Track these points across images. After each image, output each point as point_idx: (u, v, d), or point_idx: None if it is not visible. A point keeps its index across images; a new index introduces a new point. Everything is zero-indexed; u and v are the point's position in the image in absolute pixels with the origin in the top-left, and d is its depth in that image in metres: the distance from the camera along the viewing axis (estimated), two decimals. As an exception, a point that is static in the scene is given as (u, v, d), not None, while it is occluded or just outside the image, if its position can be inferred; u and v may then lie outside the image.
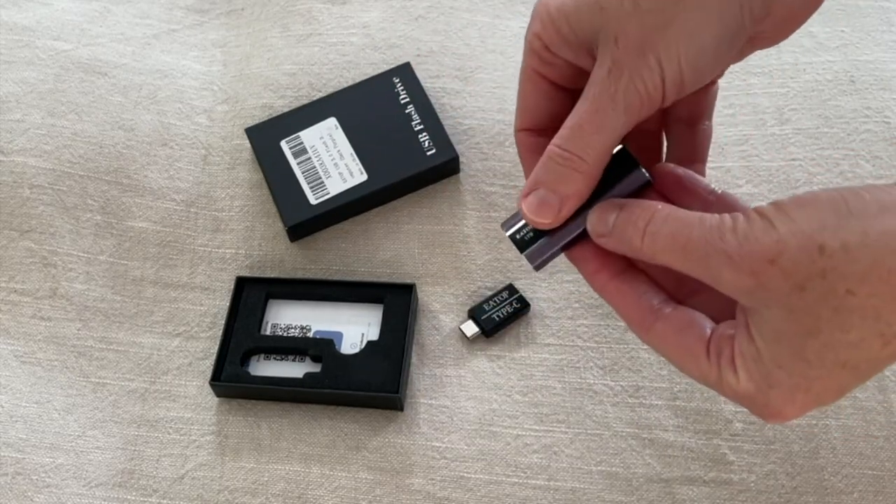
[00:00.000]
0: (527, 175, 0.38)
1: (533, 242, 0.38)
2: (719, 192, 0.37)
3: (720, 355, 0.33)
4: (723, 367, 0.33)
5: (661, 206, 0.34)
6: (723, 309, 0.35)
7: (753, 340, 0.32)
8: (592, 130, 0.34)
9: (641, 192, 0.37)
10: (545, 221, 0.36)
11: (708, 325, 0.34)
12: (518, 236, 0.38)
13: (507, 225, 0.38)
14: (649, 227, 0.33)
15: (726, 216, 0.32)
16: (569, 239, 0.37)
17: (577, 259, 0.38)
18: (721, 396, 0.51)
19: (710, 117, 0.40)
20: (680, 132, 0.40)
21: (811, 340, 0.31)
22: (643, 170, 0.36)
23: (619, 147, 0.36)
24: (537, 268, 0.38)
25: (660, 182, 0.38)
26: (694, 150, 0.40)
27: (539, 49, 0.36)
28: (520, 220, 0.38)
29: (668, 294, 0.37)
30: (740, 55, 0.37)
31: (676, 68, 0.33)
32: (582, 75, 0.36)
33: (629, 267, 0.37)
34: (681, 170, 0.38)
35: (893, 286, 0.29)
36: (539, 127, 0.38)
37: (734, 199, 0.37)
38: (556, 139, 0.35)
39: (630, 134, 0.36)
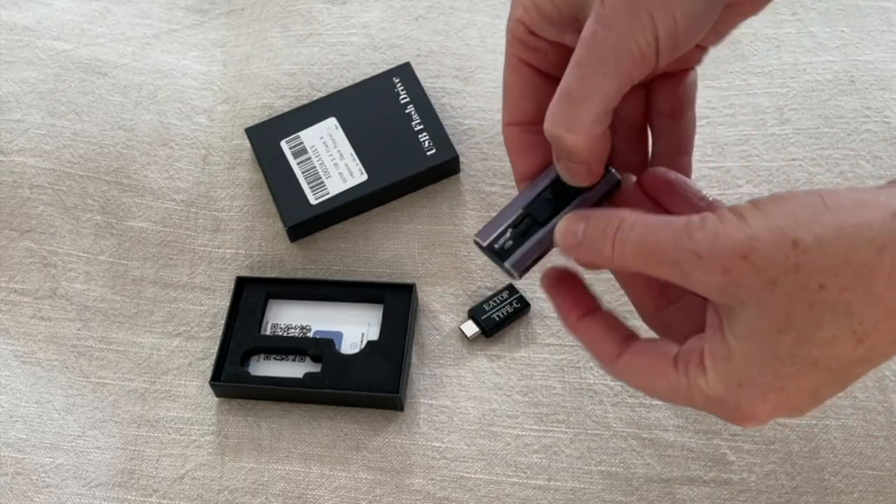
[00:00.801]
0: (515, 171, 0.38)
1: (513, 251, 0.37)
2: (710, 199, 0.37)
3: (688, 364, 0.33)
4: (691, 372, 0.33)
5: (628, 213, 0.33)
6: (704, 314, 0.34)
7: (725, 340, 0.32)
8: (581, 99, 0.32)
9: (613, 194, 0.37)
10: (584, 184, 0.35)
11: (673, 346, 0.34)
12: (497, 245, 0.37)
13: (483, 235, 0.37)
14: (618, 235, 0.33)
15: (694, 216, 0.31)
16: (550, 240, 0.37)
17: (554, 296, 0.38)
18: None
19: (692, 108, 0.40)
20: (663, 125, 0.40)
21: (783, 337, 0.30)
22: (613, 171, 0.36)
23: None
24: (521, 276, 0.37)
25: (651, 187, 0.38)
26: (678, 143, 0.40)
27: (522, 35, 0.36)
28: (497, 229, 0.37)
29: (653, 300, 0.37)
30: (723, 23, 0.36)
31: (671, 22, 0.31)
32: (568, 58, 0.35)
33: (598, 307, 0.37)
34: (672, 174, 0.37)
35: (866, 279, 0.29)
36: (526, 121, 0.37)
37: (723, 207, 0.37)
38: (546, 115, 0.33)
39: (614, 125, 0.35)
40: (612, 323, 0.37)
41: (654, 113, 0.40)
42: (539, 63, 0.36)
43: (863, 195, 0.30)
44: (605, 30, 0.31)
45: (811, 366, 0.31)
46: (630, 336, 0.36)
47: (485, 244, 0.37)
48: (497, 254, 0.37)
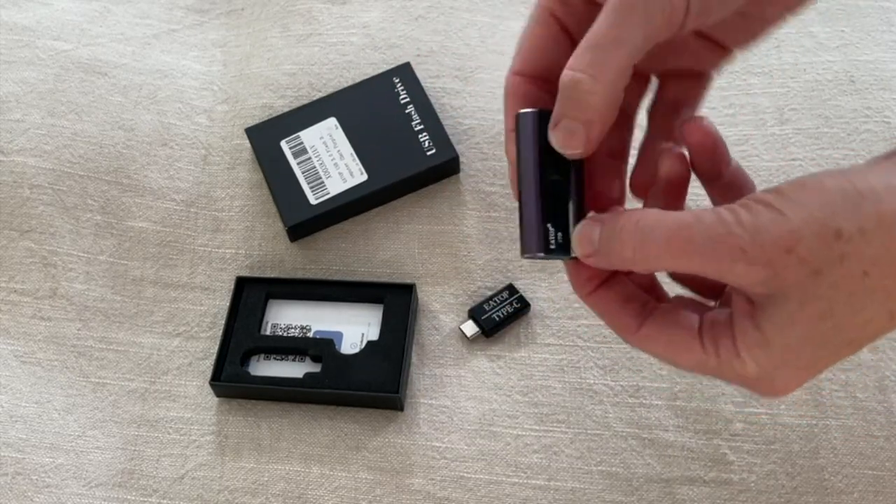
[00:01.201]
0: (507, 120, 0.37)
1: (567, 238, 0.35)
2: (733, 162, 0.37)
3: (717, 343, 0.33)
4: (722, 354, 0.33)
5: (643, 213, 0.33)
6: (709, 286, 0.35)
7: (760, 327, 0.32)
8: (608, 44, 0.32)
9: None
10: (577, 152, 0.34)
11: (694, 317, 0.34)
12: (552, 245, 0.35)
13: (531, 247, 0.35)
14: (638, 237, 0.33)
15: (722, 211, 0.31)
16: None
17: (567, 269, 0.37)
18: (721, 393, 0.51)
19: (694, 108, 0.39)
20: (664, 115, 0.39)
21: (824, 323, 0.31)
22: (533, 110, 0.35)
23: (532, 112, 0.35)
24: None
25: (695, 141, 0.36)
26: (671, 136, 0.39)
27: None
28: (538, 231, 0.35)
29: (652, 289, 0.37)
30: (759, 22, 0.35)
31: None
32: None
33: (612, 275, 0.36)
34: (716, 130, 0.36)
35: None
36: (536, 74, 0.37)
37: (744, 176, 0.37)
38: (570, 62, 0.32)
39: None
40: (628, 292, 0.36)
41: (658, 101, 0.39)
42: (567, 19, 0.36)
43: (891, 179, 0.30)
44: None
45: (846, 345, 0.32)
46: (647, 303, 0.36)
47: (542, 253, 0.35)
48: (557, 251, 0.35)
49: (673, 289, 0.39)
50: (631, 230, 0.33)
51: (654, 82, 0.40)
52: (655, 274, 0.38)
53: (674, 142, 0.38)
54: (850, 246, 0.30)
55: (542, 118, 0.35)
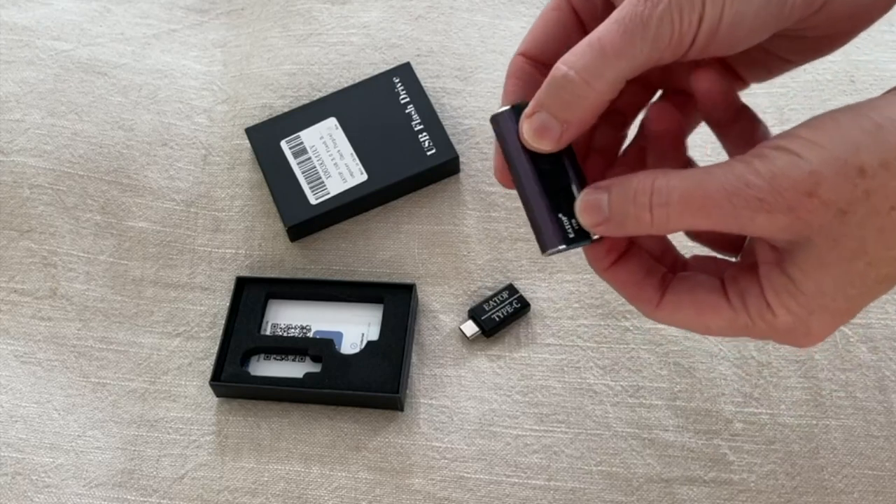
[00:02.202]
0: (503, 98, 0.36)
1: (582, 230, 0.34)
2: (746, 109, 0.36)
3: (744, 298, 0.32)
4: (752, 308, 0.32)
5: (655, 174, 0.32)
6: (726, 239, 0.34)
7: (789, 274, 0.31)
8: (613, 54, 0.31)
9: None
10: (545, 148, 0.33)
11: (714, 279, 0.34)
12: (571, 235, 0.34)
13: (549, 242, 0.34)
14: (655, 199, 0.31)
15: (736, 163, 0.30)
16: None
17: (586, 248, 0.36)
18: (721, 393, 0.51)
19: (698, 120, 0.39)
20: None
21: (856, 263, 0.30)
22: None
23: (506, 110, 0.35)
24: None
25: (698, 80, 0.35)
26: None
27: None
28: (552, 225, 0.35)
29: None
30: (776, 63, 0.35)
31: (718, 12, 0.30)
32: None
33: (629, 249, 0.36)
34: (726, 79, 0.36)
35: None
36: (542, 58, 0.36)
37: (758, 122, 0.36)
38: (567, 56, 0.32)
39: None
40: (648, 265, 0.35)
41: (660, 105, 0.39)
42: (582, 8, 0.36)
43: None
44: None
45: (878, 283, 0.31)
46: (666, 276, 0.35)
47: (562, 245, 0.35)
48: (578, 238, 0.35)
49: (688, 248, 0.38)
50: (646, 192, 0.32)
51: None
52: (669, 237, 0.37)
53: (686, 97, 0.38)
54: (874, 181, 0.29)
55: (519, 112, 0.34)
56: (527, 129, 0.33)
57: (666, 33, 0.31)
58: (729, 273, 0.34)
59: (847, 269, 0.30)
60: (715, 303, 0.33)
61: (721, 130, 0.37)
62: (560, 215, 0.35)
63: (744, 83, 0.38)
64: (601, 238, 0.35)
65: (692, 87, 0.35)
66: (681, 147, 0.37)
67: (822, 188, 0.29)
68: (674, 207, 0.31)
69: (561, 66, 0.32)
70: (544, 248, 0.35)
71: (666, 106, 0.36)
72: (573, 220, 0.35)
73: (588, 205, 0.33)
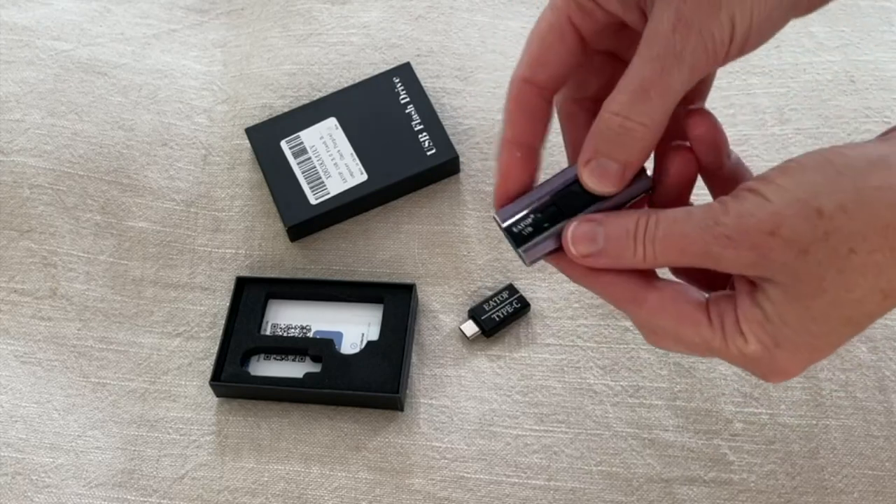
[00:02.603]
0: (506, 130, 0.36)
1: (531, 238, 0.36)
2: (733, 155, 0.37)
3: (723, 320, 0.33)
4: (728, 332, 0.33)
5: (644, 212, 0.34)
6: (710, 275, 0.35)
7: (758, 304, 0.32)
8: (658, 94, 0.32)
9: (638, 201, 0.36)
10: (610, 190, 0.34)
11: (701, 294, 0.35)
12: (516, 229, 0.36)
13: (503, 214, 0.36)
14: (647, 235, 0.33)
15: (714, 203, 0.32)
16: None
17: (551, 257, 0.36)
18: (721, 393, 0.51)
19: (703, 99, 0.39)
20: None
21: (817, 301, 0.31)
22: (649, 177, 0.36)
23: None
24: (531, 264, 0.36)
25: (697, 125, 0.36)
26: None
27: None
28: (520, 211, 0.36)
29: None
30: (795, 12, 0.35)
31: (748, 24, 0.31)
32: (617, 34, 0.35)
33: None
34: (719, 123, 0.36)
35: (891, 241, 0.30)
36: (545, 83, 0.36)
37: (744, 169, 0.37)
38: (613, 105, 0.33)
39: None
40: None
41: None
42: (586, 30, 0.36)
43: (867, 152, 0.31)
44: (685, 26, 0.31)
45: (843, 323, 0.32)
46: (650, 276, 0.35)
47: (504, 224, 0.36)
48: (514, 237, 0.36)
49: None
50: (642, 228, 0.33)
51: None
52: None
53: (679, 139, 0.38)
54: (832, 223, 0.30)
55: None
56: (586, 176, 0.34)
57: (701, 60, 0.32)
58: (714, 294, 0.35)
59: (809, 305, 0.31)
60: (697, 318, 0.34)
61: (710, 175, 0.38)
62: (531, 215, 0.36)
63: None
64: (527, 255, 0.36)
65: (687, 133, 0.36)
66: (690, 189, 0.38)
67: (783, 228, 0.30)
68: (658, 244, 0.33)
69: (614, 118, 0.33)
70: (498, 213, 0.36)
71: (689, 153, 0.37)
72: (527, 228, 0.35)
73: (583, 235, 0.34)
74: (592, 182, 0.34)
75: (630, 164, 0.34)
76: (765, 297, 0.32)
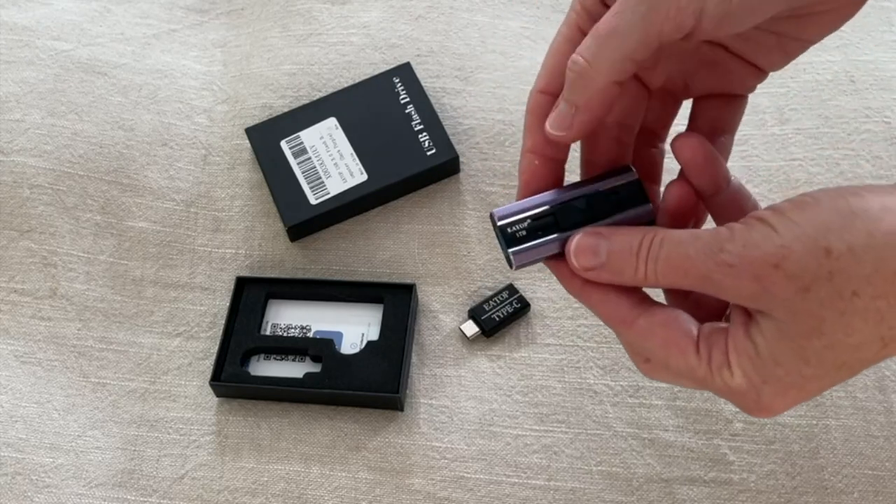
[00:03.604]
0: (526, 140, 0.37)
1: (522, 242, 0.36)
2: (733, 180, 0.37)
3: (711, 351, 0.33)
4: (714, 362, 0.33)
5: (652, 230, 0.33)
6: (710, 307, 0.34)
7: (751, 338, 0.32)
8: (606, 33, 0.32)
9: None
10: (559, 134, 0.35)
11: (693, 322, 0.34)
12: (510, 230, 0.36)
13: (500, 213, 0.36)
14: (650, 254, 0.33)
15: (721, 229, 0.32)
16: (562, 248, 0.35)
17: (552, 264, 0.36)
18: (719, 397, 0.51)
19: (731, 133, 0.39)
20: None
21: (814, 341, 0.31)
22: (651, 206, 0.36)
23: (633, 177, 0.36)
24: (517, 268, 0.36)
25: (688, 153, 0.36)
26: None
27: (591, 5, 0.35)
28: (518, 213, 0.36)
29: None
30: (793, 44, 0.35)
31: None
32: None
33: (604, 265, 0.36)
34: (709, 146, 0.37)
35: None
36: (560, 92, 0.36)
37: (745, 194, 0.37)
38: (578, 48, 0.34)
39: (603, 122, 0.35)
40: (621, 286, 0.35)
41: (693, 128, 0.39)
42: None
43: (885, 198, 0.30)
44: None
45: (836, 368, 0.31)
46: (644, 299, 0.35)
47: (499, 223, 0.36)
48: (506, 237, 0.36)
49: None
50: (646, 247, 0.33)
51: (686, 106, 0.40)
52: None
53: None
54: (838, 263, 0.30)
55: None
56: (548, 122, 0.35)
57: (661, 8, 0.31)
58: (707, 325, 0.34)
59: (803, 345, 0.31)
60: (685, 345, 0.34)
61: (707, 199, 0.38)
62: (528, 220, 0.36)
63: (763, 72, 0.38)
64: (515, 259, 0.36)
65: (676, 156, 0.36)
66: (691, 216, 0.37)
67: (787, 262, 0.30)
68: (661, 264, 0.33)
69: (573, 57, 0.34)
70: (496, 210, 0.36)
71: (682, 185, 0.37)
72: (521, 231, 0.35)
73: (586, 247, 0.34)
74: (550, 127, 0.35)
75: (579, 106, 0.34)
76: (758, 332, 0.32)
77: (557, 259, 0.36)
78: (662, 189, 0.39)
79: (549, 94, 0.36)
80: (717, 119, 0.39)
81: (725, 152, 0.39)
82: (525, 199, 0.36)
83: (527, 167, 0.37)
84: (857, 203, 0.30)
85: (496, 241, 0.56)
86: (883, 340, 0.30)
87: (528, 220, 0.36)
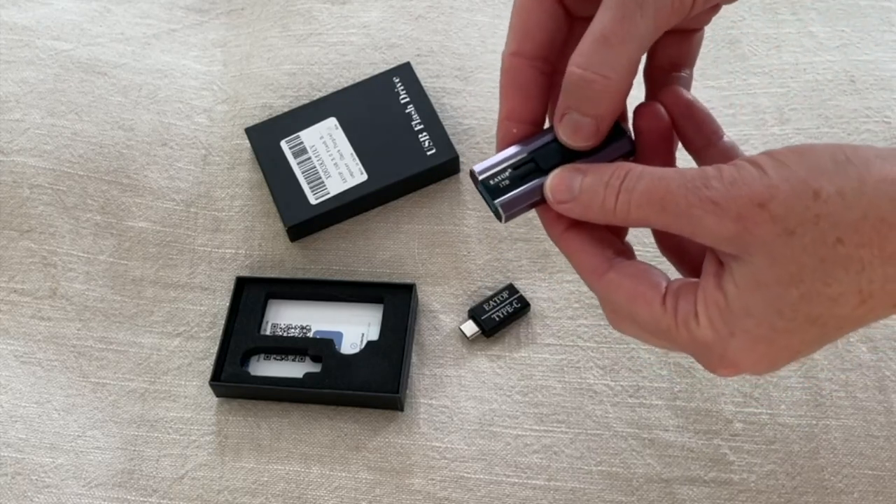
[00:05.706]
0: (502, 106, 0.36)
1: (507, 192, 0.35)
2: (726, 138, 0.36)
3: (678, 302, 0.32)
4: (680, 313, 0.32)
5: (633, 165, 0.32)
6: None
7: (722, 287, 0.31)
8: (618, 41, 0.31)
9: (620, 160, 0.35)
10: (587, 144, 0.34)
11: (664, 276, 0.34)
12: (492, 182, 0.35)
13: (480, 167, 0.35)
14: (624, 185, 0.32)
15: (709, 167, 0.31)
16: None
17: (540, 210, 0.36)
18: (721, 393, 0.51)
19: (691, 66, 0.38)
20: (660, 80, 0.38)
21: (790, 290, 0.30)
22: (629, 134, 0.35)
23: None
24: (506, 219, 0.36)
25: (671, 104, 0.36)
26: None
27: None
28: (497, 165, 0.35)
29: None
30: None
31: None
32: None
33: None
34: (691, 96, 0.36)
35: (884, 236, 0.29)
36: (533, 54, 0.35)
37: (740, 153, 0.36)
38: (576, 57, 0.32)
39: None
40: (602, 235, 0.35)
41: (652, 66, 0.39)
42: None
43: (883, 151, 0.30)
44: None
45: (809, 323, 0.30)
46: (621, 252, 0.35)
47: (480, 177, 0.35)
48: (489, 190, 0.35)
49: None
50: (619, 177, 0.32)
51: None
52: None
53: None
54: (826, 207, 0.29)
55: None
56: (561, 132, 0.34)
57: (665, 5, 0.31)
58: (677, 279, 0.34)
59: (780, 293, 0.30)
60: (651, 297, 0.33)
61: (697, 153, 0.37)
62: (508, 170, 0.35)
63: (718, 7, 0.37)
64: (503, 209, 0.35)
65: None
66: (670, 147, 0.37)
67: (774, 202, 0.29)
68: (635, 196, 0.32)
69: (575, 70, 0.32)
70: (475, 166, 0.36)
71: (653, 107, 0.36)
72: (504, 181, 0.35)
73: (561, 182, 0.34)
74: (566, 136, 0.34)
75: (601, 116, 0.33)
76: (731, 280, 0.31)
77: (545, 205, 0.35)
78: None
79: (522, 55, 0.35)
80: (676, 55, 0.38)
81: (687, 86, 0.38)
82: (503, 151, 0.36)
83: (505, 135, 0.36)
84: (852, 153, 0.29)
85: (506, 243, 0.56)
86: (861, 295, 0.29)
87: (509, 170, 0.35)
